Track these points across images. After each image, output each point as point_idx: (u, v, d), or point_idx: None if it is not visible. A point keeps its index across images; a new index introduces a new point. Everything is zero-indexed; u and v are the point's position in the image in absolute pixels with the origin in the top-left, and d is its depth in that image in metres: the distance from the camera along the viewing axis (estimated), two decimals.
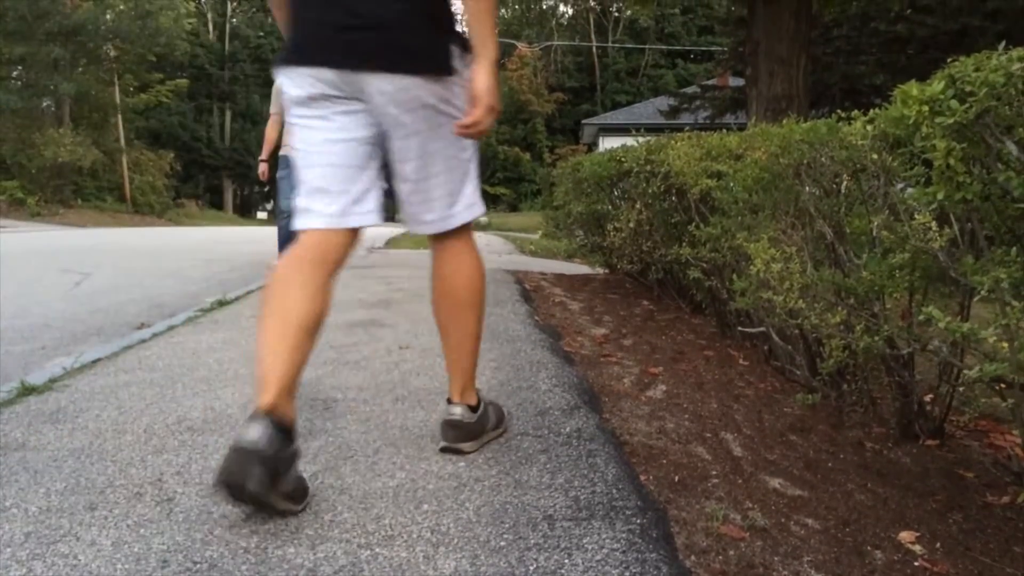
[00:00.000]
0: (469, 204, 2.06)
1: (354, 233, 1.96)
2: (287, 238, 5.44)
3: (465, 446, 2.06)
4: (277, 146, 6.01)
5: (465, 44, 1.86)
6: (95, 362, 3.18)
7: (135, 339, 3.72)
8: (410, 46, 1.80)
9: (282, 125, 5.47)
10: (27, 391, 2.67)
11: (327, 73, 1.81)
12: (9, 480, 1.87)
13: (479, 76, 1.83)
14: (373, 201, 1.98)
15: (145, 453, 2.06)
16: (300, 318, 1.80)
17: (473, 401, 2.09)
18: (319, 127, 1.87)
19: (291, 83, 1.87)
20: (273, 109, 5.78)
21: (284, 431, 1.65)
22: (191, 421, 2.34)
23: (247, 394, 2.63)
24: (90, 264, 8.23)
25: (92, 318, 4.83)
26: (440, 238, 2.07)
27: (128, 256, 9.85)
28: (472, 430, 2.08)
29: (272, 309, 1.85)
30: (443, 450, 2.06)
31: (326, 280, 1.88)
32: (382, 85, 1.80)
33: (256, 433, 1.59)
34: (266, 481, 1.56)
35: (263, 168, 6.06)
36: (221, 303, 4.83)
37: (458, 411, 2.06)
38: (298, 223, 1.93)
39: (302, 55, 1.86)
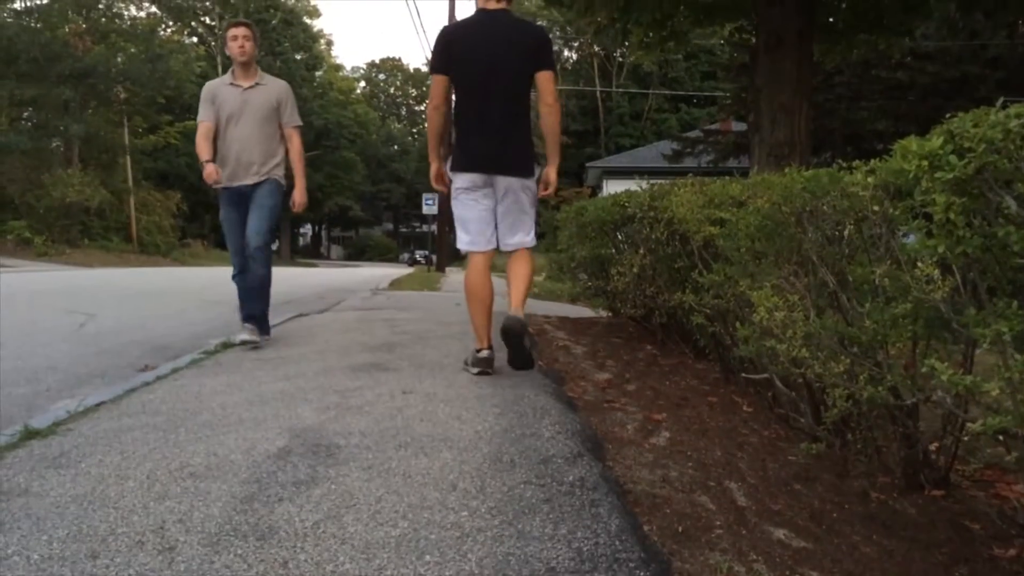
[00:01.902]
0: (531, 236, 4.01)
1: (492, 252, 3.97)
2: (243, 289, 4.96)
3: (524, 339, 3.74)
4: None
5: (536, 158, 3.96)
6: (98, 405, 3.19)
7: (138, 382, 3.73)
8: (519, 162, 3.86)
9: (215, 136, 4.90)
10: (30, 435, 2.67)
11: (480, 177, 3.84)
12: (11, 527, 1.86)
13: (551, 172, 3.98)
14: (494, 238, 3.94)
15: (147, 500, 2.06)
16: (486, 298, 3.91)
17: (522, 314, 3.74)
18: (473, 204, 3.90)
19: (460, 179, 3.86)
20: (204, 117, 4.90)
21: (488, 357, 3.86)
22: (193, 467, 2.34)
23: (250, 439, 2.63)
24: (95, 305, 8.26)
25: (96, 360, 4.84)
26: (514, 251, 3.98)
27: (133, 297, 9.89)
28: (525, 326, 3.80)
29: (473, 295, 3.91)
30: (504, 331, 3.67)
31: (489, 275, 3.95)
32: (505, 181, 3.84)
33: (489, 354, 3.85)
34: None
35: (211, 170, 4.76)
36: (225, 345, 4.84)
37: (520, 314, 3.71)
38: (468, 249, 3.97)
39: (470, 166, 3.83)
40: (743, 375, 3.69)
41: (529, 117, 3.98)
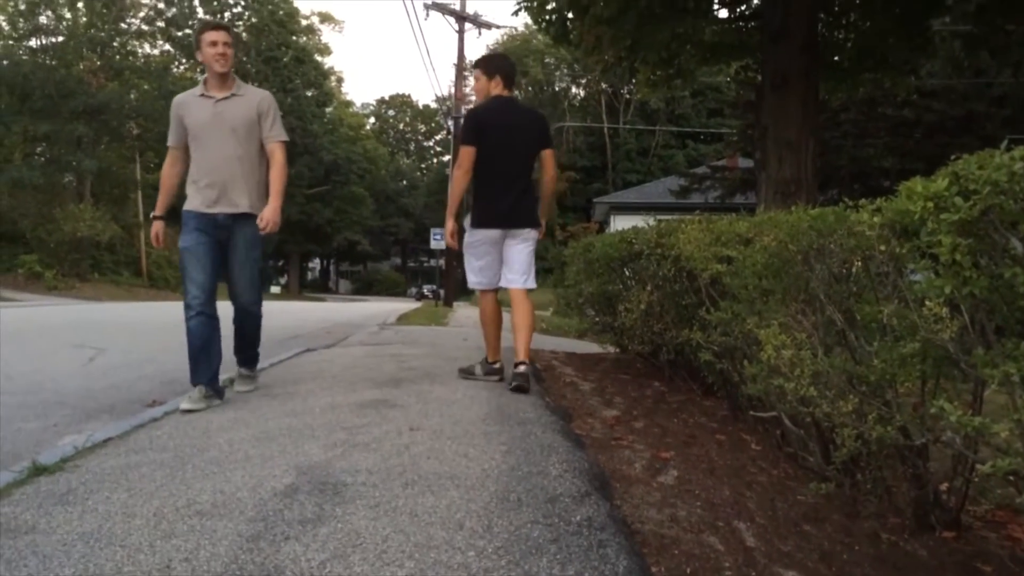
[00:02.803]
0: (532, 278, 4.77)
1: (498, 289, 4.81)
2: (199, 337, 4.11)
3: (527, 387, 4.45)
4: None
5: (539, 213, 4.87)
6: (106, 441, 3.19)
7: (146, 417, 3.74)
8: (528, 217, 4.72)
9: (184, 167, 4.29)
10: (38, 471, 2.68)
11: (498, 232, 4.68)
12: (19, 565, 1.86)
13: (543, 226, 4.83)
14: (499, 278, 4.75)
15: (154, 538, 2.05)
16: (498, 320, 4.88)
17: (528, 361, 4.59)
18: (485, 253, 4.74)
19: (480, 233, 4.71)
20: (172, 142, 4.34)
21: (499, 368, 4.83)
22: (200, 505, 2.33)
23: (257, 476, 2.63)
24: (104, 339, 8.29)
25: (105, 395, 4.85)
26: (517, 291, 4.71)
27: (142, 331, 9.92)
28: (529, 378, 4.51)
29: (488, 321, 4.86)
30: (514, 390, 4.42)
31: (497, 303, 4.87)
32: (516, 232, 4.69)
33: (500, 365, 4.90)
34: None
35: (154, 234, 4.37)
36: (232, 380, 4.84)
37: (523, 368, 4.50)
38: (481, 288, 4.83)
39: (489, 223, 4.69)
40: (751, 413, 3.67)
41: (531, 182, 4.89)
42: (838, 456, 2.52)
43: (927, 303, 2.00)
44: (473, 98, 5.39)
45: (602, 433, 3.63)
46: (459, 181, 4.73)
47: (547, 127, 4.96)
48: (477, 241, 4.74)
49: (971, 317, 1.95)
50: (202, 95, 4.27)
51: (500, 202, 4.68)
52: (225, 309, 4.23)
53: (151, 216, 4.34)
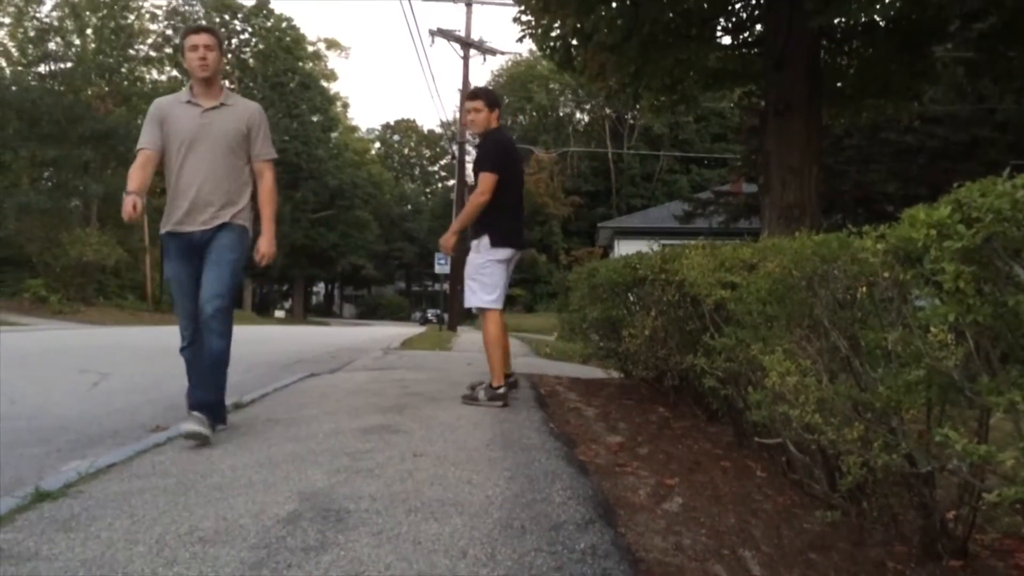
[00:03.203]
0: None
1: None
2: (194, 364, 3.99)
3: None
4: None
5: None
6: (109, 467, 3.19)
7: (150, 443, 3.73)
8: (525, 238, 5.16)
9: (152, 172, 3.89)
10: (41, 497, 2.67)
11: (517, 253, 5.08)
12: None
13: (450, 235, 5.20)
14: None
15: (156, 565, 2.04)
16: (506, 345, 5.10)
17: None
18: (504, 272, 4.98)
19: (503, 252, 4.94)
20: (145, 143, 3.92)
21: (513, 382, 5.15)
22: (203, 531, 2.32)
23: (260, 503, 2.62)
24: (108, 364, 8.29)
25: (108, 420, 4.85)
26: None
27: (146, 356, 9.93)
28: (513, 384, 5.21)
29: (500, 343, 4.94)
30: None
31: (504, 327, 5.06)
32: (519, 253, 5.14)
33: (505, 390, 4.93)
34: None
35: (130, 204, 3.67)
36: (236, 406, 4.84)
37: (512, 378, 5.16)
38: (495, 307, 4.95)
39: (515, 243, 5.02)
40: (756, 439, 3.65)
41: None
42: (844, 484, 2.50)
43: (931, 330, 2.00)
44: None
45: (606, 459, 3.62)
46: (480, 206, 4.94)
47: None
48: (501, 260, 4.98)
49: (976, 344, 1.94)
50: (188, 102, 3.95)
51: (518, 224, 5.15)
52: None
53: (125, 192, 3.74)
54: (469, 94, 5.40)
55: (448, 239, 5.19)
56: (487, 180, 4.90)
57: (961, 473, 1.99)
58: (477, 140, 5.61)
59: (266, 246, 4.02)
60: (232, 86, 51.74)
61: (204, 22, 47.04)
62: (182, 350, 4.06)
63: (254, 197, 4.11)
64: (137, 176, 3.81)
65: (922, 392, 2.12)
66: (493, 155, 4.99)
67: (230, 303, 3.89)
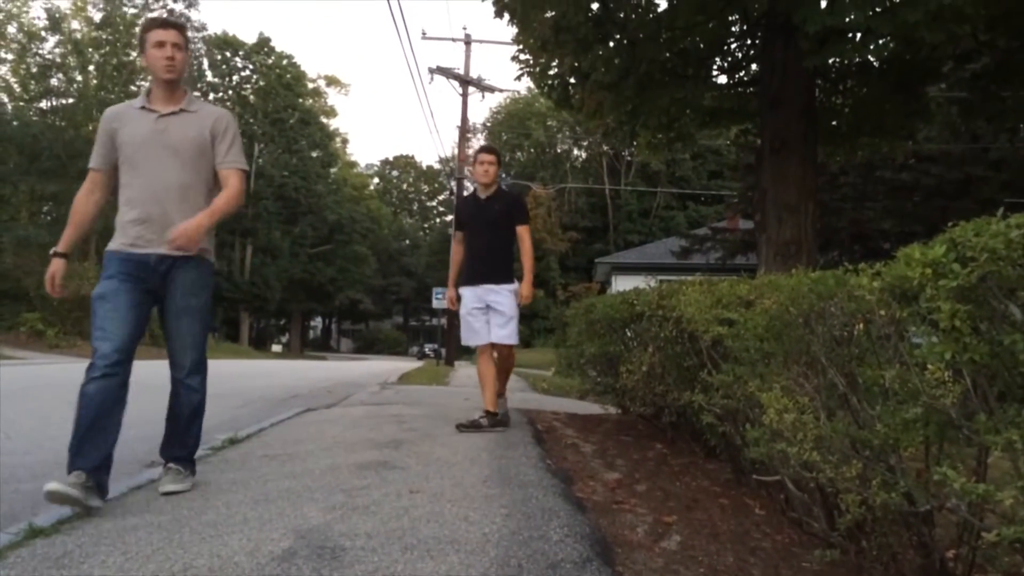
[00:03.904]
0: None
1: (491, 346, 5.49)
2: (95, 406, 3.27)
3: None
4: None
5: (513, 273, 5.62)
6: (103, 503, 3.16)
7: (144, 478, 3.71)
8: (503, 274, 5.54)
9: (104, 196, 3.55)
10: (34, 533, 2.65)
11: (477, 290, 5.52)
12: None
13: (526, 286, 5.51)
14: (488, 335, 5.45)
15: None
16: (492, 377, 5.53)
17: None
18: (477, 315, 5.52)
19: (468, 292, 5.57)
20: (95, 163, 3.55)
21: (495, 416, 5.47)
22: (196, 569, 2.30)
23: (255, 540, 2.60)
24: None
25: None
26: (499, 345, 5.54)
27: (140, 390, 9.83)
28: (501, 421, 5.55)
29: (483, 375, 5.54)
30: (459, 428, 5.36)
31: (492, 361, 5.54)
32: (493, 287, 5.51)
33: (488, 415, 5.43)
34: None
35: (49, 279, 3.54)
36: (232, 441, 4.82)
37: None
38: (474, 344, 5.61)
39: (467, 281, 5.62)
40: (755, 477, 3.64)
41: None
42: (843, 522, 2.49)
43: (929, 367, 2.00)
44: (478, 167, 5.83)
45: (604, 496, 3.60)
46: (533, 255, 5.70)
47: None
48: (469, 300, 5.61)
49: (973, 382, 1.95)
50: (143, 107, 3.45)
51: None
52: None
53: (51, 253, 3.47)
54: (485, 148, 6.00)
55: (529, 290, 5.55)
56: (528, 232, 5.66)
57: (960, 512, 1.98)
58: (491, 193, 5.76)
59: (188, 226, 3.28)
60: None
61: (206, 60, 47.48)
62: (88, 383, 3.25)
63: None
64: (79, 212, 3.50)
65: (920, 430, 2.11)
66: (528, 209, 5.62)
67: (204, 352, 3.58)
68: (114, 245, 3.41)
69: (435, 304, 27.20)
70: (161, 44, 3.37)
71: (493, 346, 5.51)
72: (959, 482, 1.59)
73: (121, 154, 3.43)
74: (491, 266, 5.55)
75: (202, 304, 3.52)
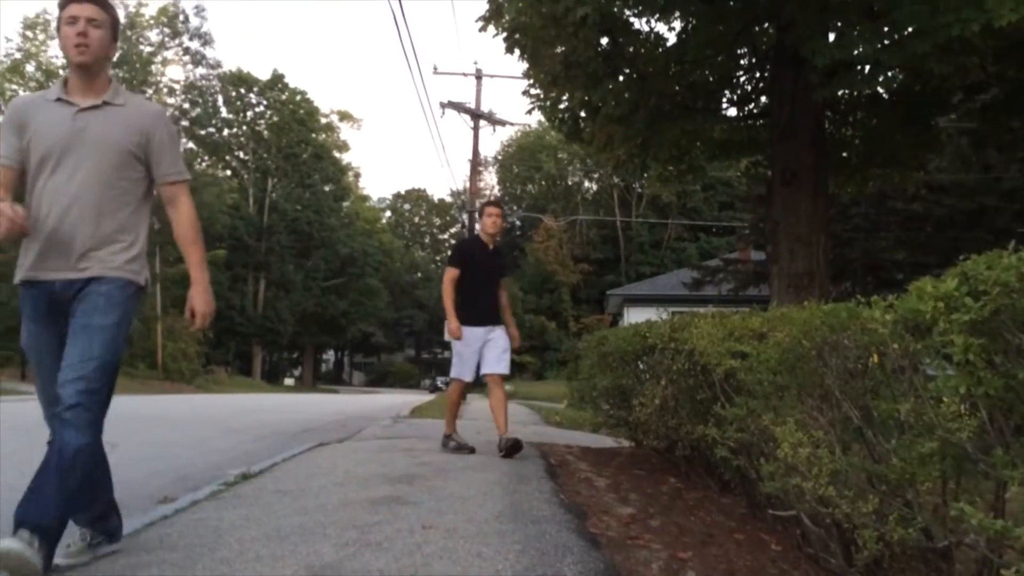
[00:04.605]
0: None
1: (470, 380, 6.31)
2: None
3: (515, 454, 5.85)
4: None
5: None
6: None
7: (157, 515, 3.70)
8: (496, 317, 6.27)
9: (15, 190, 2.77)
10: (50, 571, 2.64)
11: (481, 330, 6.16)
12: None
13: (512, 328, 6.40)
14: (475, 370, 6.20)
15: None
16: (458, 407, 6.69)
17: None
18: (472, 352, 6.14)
19: (468, 331, 6.11)
20: (5, 158, 2.78)
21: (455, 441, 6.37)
22: None
23: None
24: (117, 434, 8.22)
25: (117, 491, 4.78)
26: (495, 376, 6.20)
27: (155, 425, 9.90)
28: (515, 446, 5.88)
29: (452, 404, 6.53)
30: (504, 456, 5.76)
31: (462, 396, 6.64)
32: (499, 329, 6.26)
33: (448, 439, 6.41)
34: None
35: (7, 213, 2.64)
36: (245, 476, 4.82)
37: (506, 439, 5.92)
38: (457, 376, 6.26)
39: (472, 321, 6.13)
40: (770, 512, 3.60)
41: None
42: (860, 558, 2.46)
43: (944, 400, 1.99)
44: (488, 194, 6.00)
45: (618, 531, 3.57)
46: None
47: None
48: (468, 338, 6.22)
49: (989, 415, 1.93)
50: (59, 99, 2.81)
51: None
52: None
53: None
54: (492, 202, 6.87)
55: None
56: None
57: (979, 548, 1.96)
58: (496, 244, 6.51)
59: (200, 302, 2.92)
60: (246, 157, 52.70)
61: (220, 96, 48.07)
62: (50, 444, 2.69)
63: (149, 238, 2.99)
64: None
65: (936, 464, 2.10)
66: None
67: (101, 386, 2.66)
68: (20, 272, 2.79)
69: (447, 337, 27.19)
70: (73, 20, 2.74)
71: (489, 376, 6.17)
72: (977, 518, 1.58)
73: (31, 156, 2.77)
74: (494, 309, 6.28)
75: (108, 324, 2.70)
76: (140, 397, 19.79)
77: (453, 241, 76.63)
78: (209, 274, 3.02)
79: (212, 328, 37.40)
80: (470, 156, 26.98)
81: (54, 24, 2.84)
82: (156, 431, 8.88)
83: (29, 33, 36.72)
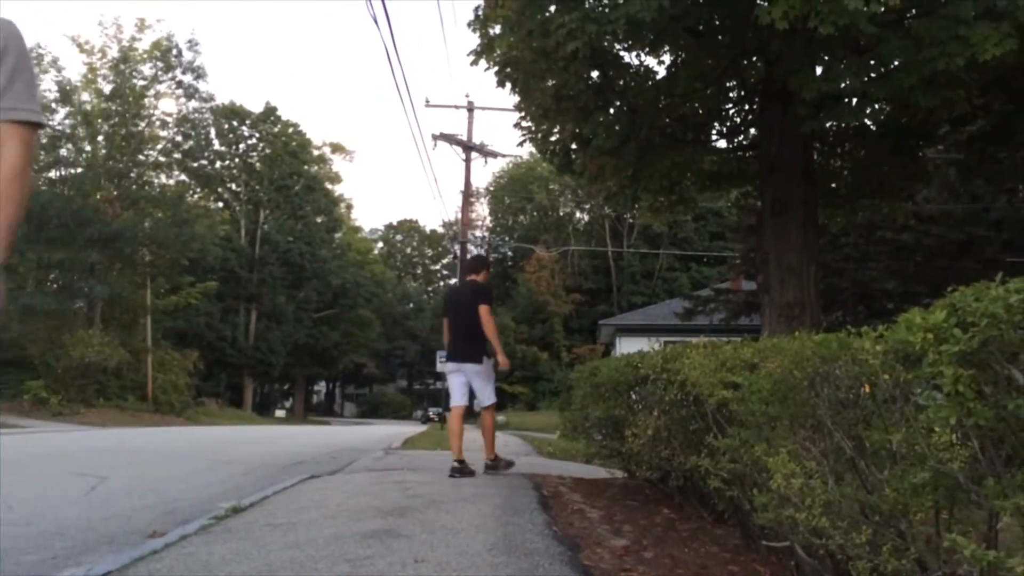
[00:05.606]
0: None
1: (465, 407, 7.11)
2: None
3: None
4: None
5: (486, 353, 7.12)
6: (106, 575, 3.12)
7: (146, 549, 3.66)
8: (474, 353, 7.01)
9: None
10: None
11: (455, 364, 7.06)
12: None
13: (502, 359, 7.25)
14: (467, 399, 7.07)
15: None
16: (460, 432, 6.93)
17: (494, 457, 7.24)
18: (456, 382, 7.09)
19: (450, 364, 7.12)
20: None
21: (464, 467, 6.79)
22: None
23: None
24: (106, 467, 8.19)
25: (105, 525, 4.77)
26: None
27: (145, 458, 9.81)
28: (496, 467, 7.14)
29: (452, 432, 7.05)
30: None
31: (462, 420, 7.11)
32: (469, 366, 7.01)
33: (456, 467, 6.73)
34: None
35: None
36: (235, 510, 4.77)
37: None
38: (452, 404, 7.17)
39: (451, 358, 7.11)
40: (764, 543, 3.59)
41: None
42: None
43: (935, 430, 2.00)
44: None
45: (611, 564, 3.54)
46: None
47: None
48: (449, 371, 7.21)
49: (980, 446, 1.94)
50: None
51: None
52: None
53: None
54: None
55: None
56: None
57: None
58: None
59: None
60: (238, 189, 52.79)
61: (213, 129, 48.20)
62: None
63: None
64: None
65: (929, 495, 2.10)
66: (493, 297, 7.31)
67: None
68: None
69: (439, 368, 27.12)
70: None
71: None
72: (969, 548, 1.58)
73: None
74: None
75: None
76: (130, 429, 19.64)
77: (445, 272, 76.72)
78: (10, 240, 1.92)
79: (203, 360, 37.25)
80: (462, 187, 27.12)
81: None
82: (145, 464, 8.80)
83: None
